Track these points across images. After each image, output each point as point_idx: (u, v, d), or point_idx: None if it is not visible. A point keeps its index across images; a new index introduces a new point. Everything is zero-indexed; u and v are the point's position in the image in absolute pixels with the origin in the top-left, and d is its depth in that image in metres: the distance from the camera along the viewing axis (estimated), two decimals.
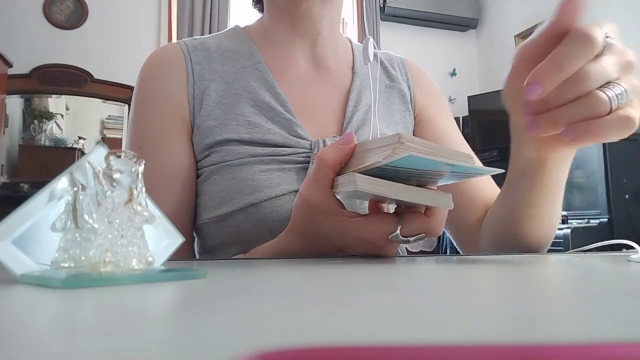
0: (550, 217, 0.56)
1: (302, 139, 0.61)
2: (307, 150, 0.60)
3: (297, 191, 0.58)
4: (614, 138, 0.40)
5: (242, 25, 0.72)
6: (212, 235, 0.60)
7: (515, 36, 3.61)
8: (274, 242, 0.51)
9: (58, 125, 3.11)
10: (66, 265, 0.28)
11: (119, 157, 0.27)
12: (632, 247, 0.45)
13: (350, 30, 3.70)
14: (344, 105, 0.67)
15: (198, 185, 0.62)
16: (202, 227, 0.61)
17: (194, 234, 0.64)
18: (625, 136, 0.39)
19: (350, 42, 0.76)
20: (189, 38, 0.69)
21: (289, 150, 0.59)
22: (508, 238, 0.58)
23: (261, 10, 0.73)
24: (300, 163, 0.59)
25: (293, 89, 0.65)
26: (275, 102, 0.62)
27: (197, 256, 0.65)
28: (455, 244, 0.71)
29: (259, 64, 0.65)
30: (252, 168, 0.58)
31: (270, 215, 0.57)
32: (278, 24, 0.67)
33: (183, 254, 0.59)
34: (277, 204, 0.57)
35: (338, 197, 0.44)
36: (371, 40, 0.68)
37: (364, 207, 0.59)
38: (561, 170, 0.51)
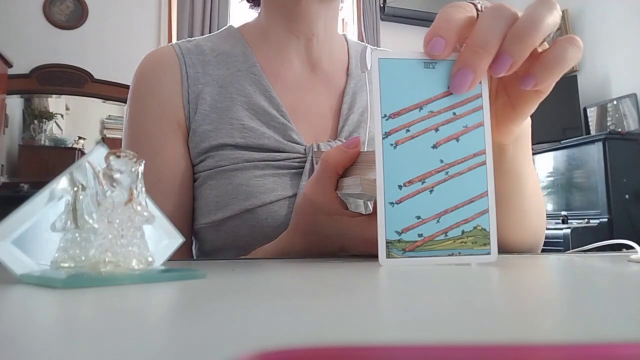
0: (526, 215, 0.53)
1: (297, 143, 0.60)
2: (302, 155, 0.60)
3: (291, 197, 0.58)
4: (570, 64, 0.37)
5: (237, 25, 0.71)
6: (209, 240, 0.60)
7: None
8: (275, 242, 0.51)
9: (58, 125, 3.11)
10: (66, 265, 0.28)
11: (119, 157, 0.27)
12: (632, 247, 0.45)
13: (350, 30, 3.69)
14: (338, 108, 0.67)
15: (194, 189, 0.62)
16: (198, 231, 0.61)
17: (192, 238, 0.64)
18: (577, 59, 0.37)
19: (347, 40, 0.75)
20: (183, 40, 0.68)
21: (283, 155, 0.59)
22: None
23: (256, 5, 0.72)
24: (294, 168, 0.59)
25: (288, 92, 0.65)
26: (269, 106, 0.62)
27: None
28: None
29: (253, 68, 0.65)
30: (247, 173, 0.58)
31: (266, 221, 0.57)
32: (274, 23, 0.67)
33: (182, 256, 0.59)
34: (272, 209, 0.57)
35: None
36: (369, 49, 0.68)
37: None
38: (520, 155, 0.47)
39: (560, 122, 3.10)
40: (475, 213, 0.36)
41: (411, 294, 0.23)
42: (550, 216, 2.72)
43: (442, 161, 0.36)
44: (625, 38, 2.95)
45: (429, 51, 0.36)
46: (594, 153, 2.64)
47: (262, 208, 0.57)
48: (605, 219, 2.52)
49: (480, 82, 0.37)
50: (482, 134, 0.37)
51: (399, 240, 0.36)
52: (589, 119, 3.15)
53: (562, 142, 2.91)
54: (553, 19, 0.36)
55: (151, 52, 0.67)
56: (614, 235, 2.45)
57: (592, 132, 3.05)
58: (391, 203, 0.36)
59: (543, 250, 0.59)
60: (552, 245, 2.45)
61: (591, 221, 2.57)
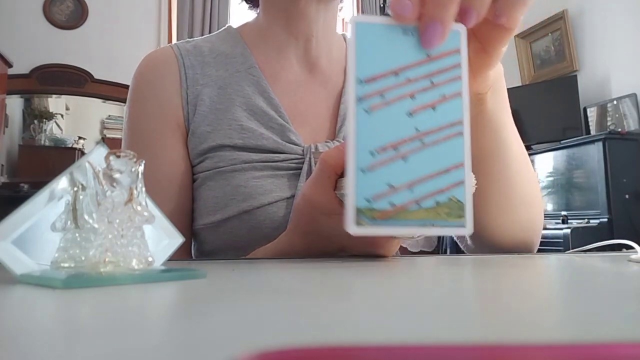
0: (513, 187, 0.50)
1: (295, 144, 0.60)
2: (300, 156, 0.60)
3: (289, 198, 0.58)
4: None
5: (236, 25, 0.71)
6: (208, 241, 0.60)
7: (515, 36, 3.61)
8: (275, 243, 0.51)
9: (58, 125, 3.11)
10: (66, 265, 0.28)
11: (119, 157, 0.27)
12: (632, 247, 0.45)
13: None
14: (336, 108, 0.67)
15: (194, 190, 0.62)
16: (198, 232, 0.61)
17: (191, 239, 0.64)
18: None
19: (345, 40, 0.75)
20: (182, 41, 0.68)
21: (282, 156, 0.59)
22: (477, 237, 0.55)
23: (255, 6, 0.72)
24: (292, 169, 0.59)
25: (286, 93, 0.65)
26: (268, 107, 0.62)
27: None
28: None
29: (252, 69, 0.65)
30: (245, 175, 0.58)
31: (264, 222, 0.57)
32: (273, 23, 0.67)
33: (182, 257, 0.59)
34: (271, 211, 0.57)
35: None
36: None
37: None
38: (498, 105, 0.46)
39: (560, 122, 3.10)
40: (450, 184, 0.35)
41: (411, 294, 0.23)
42: (550, 216, 2.72)
43: (417, 129, 0.36)
44: (625, 38, 2.95)
45: (397, 12, 0.33)
46: (594, 153, 2.64)
47: (260, 209, 0.57)
48: (605, 219, 2.52)
49: (460, 52, 0.36)
50: (459, 104, 0.36)
51: (369, 209, 0.35)
52: (589, 119, 3.15)
53: (562, 142, 2.91)
54: None
55: (150, 53, 0.67)
56: (614, 235, 2.45)
57: (592, 132, 3.05)
58: (362, 170, 0.35)
59: (543, 251, 0.59)
60: (552, 245, 2.45)
61: (591, 221, 2.56)
